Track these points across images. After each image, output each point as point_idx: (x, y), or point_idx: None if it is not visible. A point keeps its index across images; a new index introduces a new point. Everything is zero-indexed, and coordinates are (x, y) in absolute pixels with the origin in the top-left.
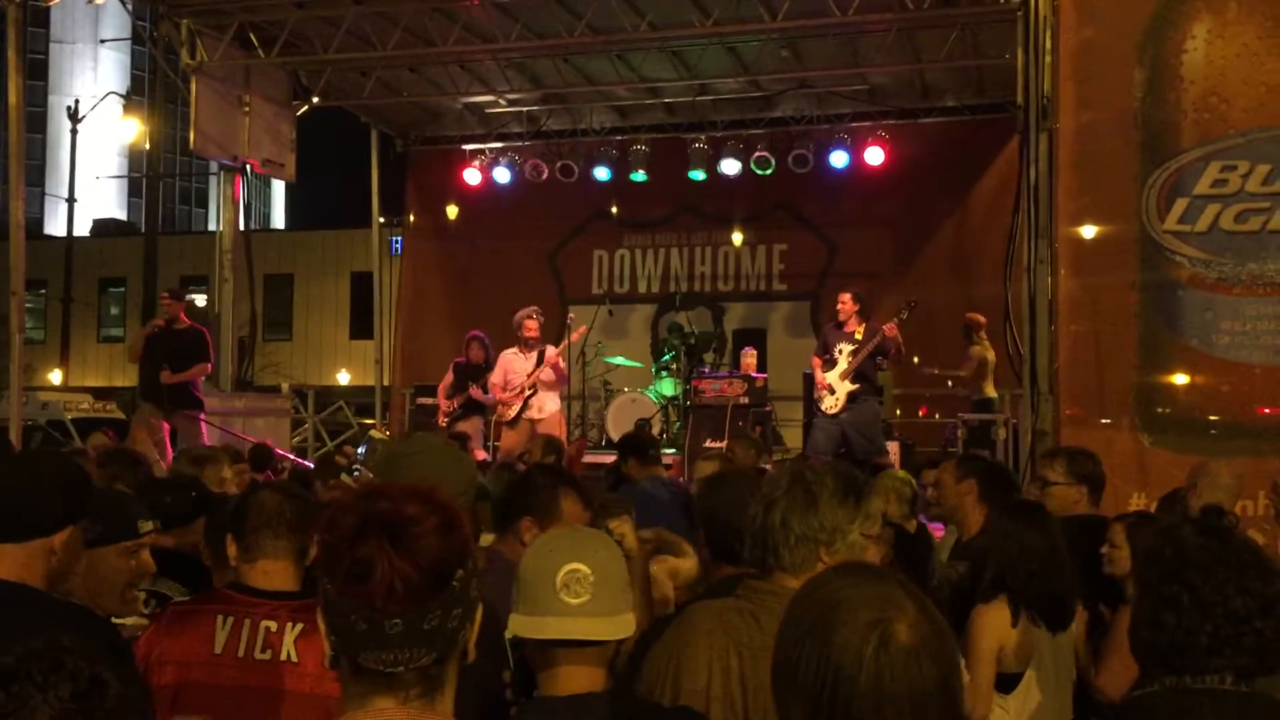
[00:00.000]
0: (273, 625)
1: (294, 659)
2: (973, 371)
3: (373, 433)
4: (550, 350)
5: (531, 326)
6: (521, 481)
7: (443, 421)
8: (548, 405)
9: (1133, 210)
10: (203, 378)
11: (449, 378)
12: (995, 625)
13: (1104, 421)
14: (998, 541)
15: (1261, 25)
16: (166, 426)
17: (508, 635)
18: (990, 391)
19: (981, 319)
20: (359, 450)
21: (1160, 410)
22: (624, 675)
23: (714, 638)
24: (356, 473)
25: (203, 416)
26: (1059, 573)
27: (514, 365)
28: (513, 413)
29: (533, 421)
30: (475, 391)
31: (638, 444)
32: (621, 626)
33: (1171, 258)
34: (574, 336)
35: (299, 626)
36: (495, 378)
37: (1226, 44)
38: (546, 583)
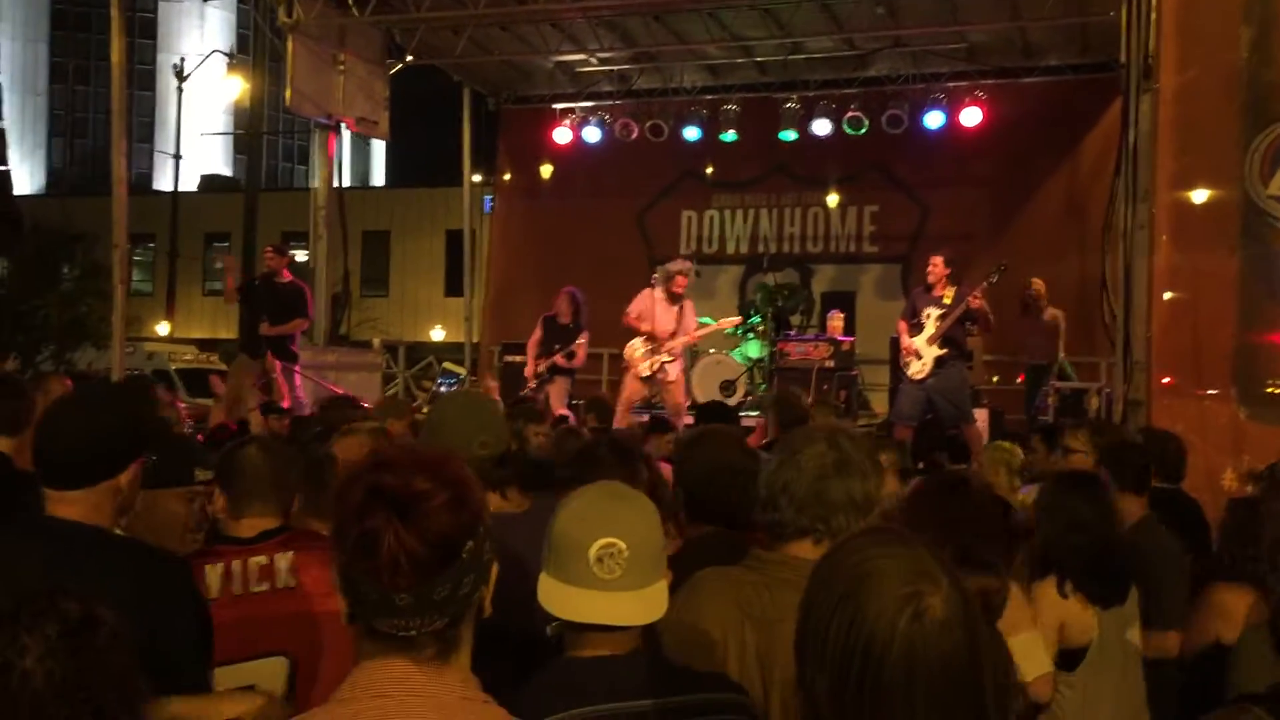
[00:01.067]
0: (262, 559)
1: (291, 584)
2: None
3: (447, 364)
4: (690, 313)
5: (682, 283)
6: (587, 456)
7: (531, 384)
8: (677, 368)
9: (1235, 175)
10: (300, 332)
11: (538, 333)
12: (1049, 601)
13: (1199, 392)
14: (1045, 514)
15: None
16: (279, 365)
17: (539, 597)
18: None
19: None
20: (438, 383)
21: (1258, 382)
22: (646, 635)
23: (727, 611)
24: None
25: (298, 369)
26: (1108, 547)
27: (656, 312)
28: (646, 370)
29: (664, 383)
30: (560, 359)
31: (715, 412)
32: (654, 604)
33: (1275, 225)
34: (723, 324)
35: (289, 554)
36: (633, 309)
37: None
38: (580, 553)
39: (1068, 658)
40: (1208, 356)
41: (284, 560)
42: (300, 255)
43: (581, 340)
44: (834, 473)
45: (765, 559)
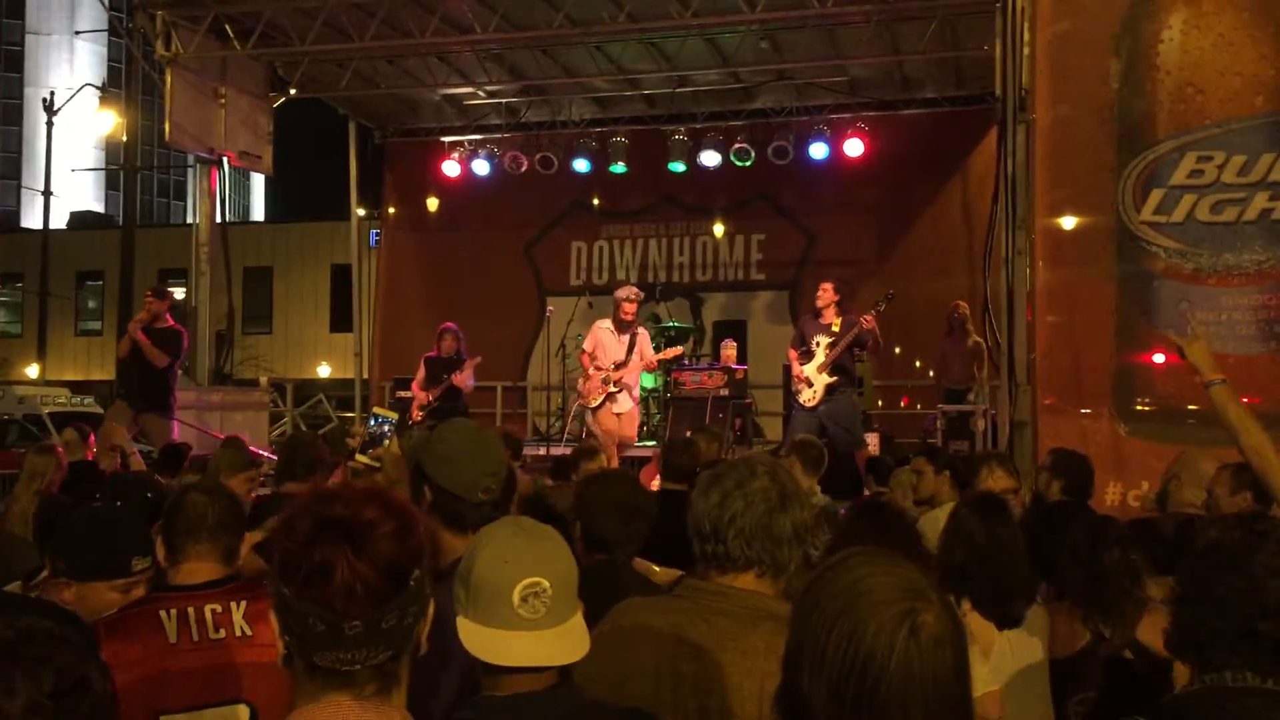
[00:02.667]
0: (217, 607)
1: (247, 633)
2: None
3: (376, 409)
4: (644, 339)
5: (629, 309)
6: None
7: (417, 416)
8: (633, 394)
9: (1109, 201)
10: (165, 367)
11: (420, 373)
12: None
13: (1081, 411)
14: (945, 537)
15: (1237, 16)
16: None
17: (463, 641)
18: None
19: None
20: (370, 424)
21: (1137, 400)
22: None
23: (661, 641)
24: (378, 442)
25: (175, 418)
26: (1002, 569)
27: (606, 343)
28: (595, 401)
29: (616, 416)
30: (456, 378)
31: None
32: (579, 640)
33: (1147, 248)
34: (667, 354)
35: (243, 604)
36: (587, 345)
37: (1203, 34)
38: (503, 596)
39: None
40: (1088, 376)
41: (238, 609)
42: (179, 293)
43: (471, 360)
44: (779, 506)
45: (701, 589)
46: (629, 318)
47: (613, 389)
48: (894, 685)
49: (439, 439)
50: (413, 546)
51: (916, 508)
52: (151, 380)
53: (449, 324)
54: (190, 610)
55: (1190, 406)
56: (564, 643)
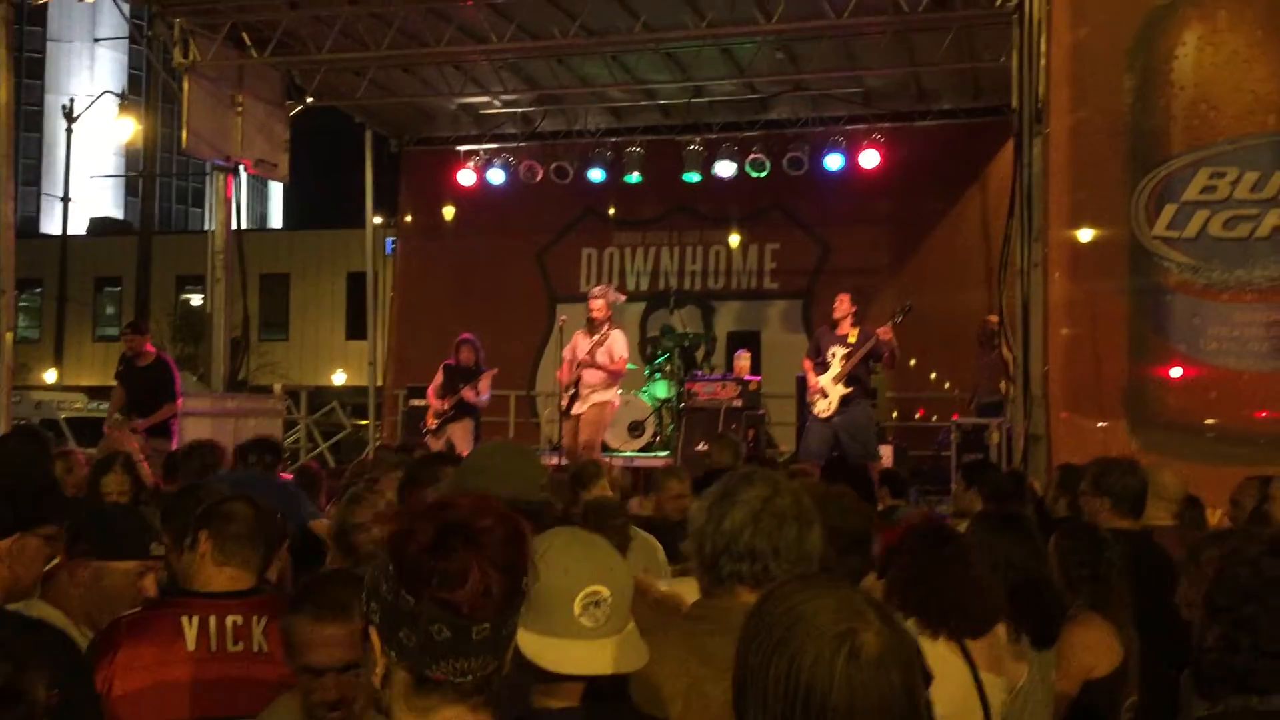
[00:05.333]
0: (238, 619)
1: (265, 649)
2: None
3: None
4: (616, 336)
5: (596, 306)
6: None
7: (432, 423)
8: (592, 397)
9: (1122, 215)
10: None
11: (439, 379)
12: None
13: (1096, 425)
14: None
15: (1251, 33)
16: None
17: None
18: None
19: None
20: None
21: (1150, 415)
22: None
23: (687, 664)
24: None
25: (174, 447)
26: (1040, 587)
27: (580, 346)
28: (564, 404)
29: (573, 418)
30: (468, 393)
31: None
32: (638, 648)
33: (1160, 263)
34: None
35: (264, 620)
36: (566, 352)
37: (1216, 51)
38: (564, 605)
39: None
40: (1102, 390)
41: (259, 624)
42: (195, 299)
43: (487, 373)
44: (795, 523)
45: (718, 608)
46: (598, 316)
47: (573, 390)
48: (839, 714)
49: (478, 457)
50: (526, 551)
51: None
52: (152, 402)
53: (467, 335)
54: (212, 619)
55: (1208, 420)
56: (623, 651)
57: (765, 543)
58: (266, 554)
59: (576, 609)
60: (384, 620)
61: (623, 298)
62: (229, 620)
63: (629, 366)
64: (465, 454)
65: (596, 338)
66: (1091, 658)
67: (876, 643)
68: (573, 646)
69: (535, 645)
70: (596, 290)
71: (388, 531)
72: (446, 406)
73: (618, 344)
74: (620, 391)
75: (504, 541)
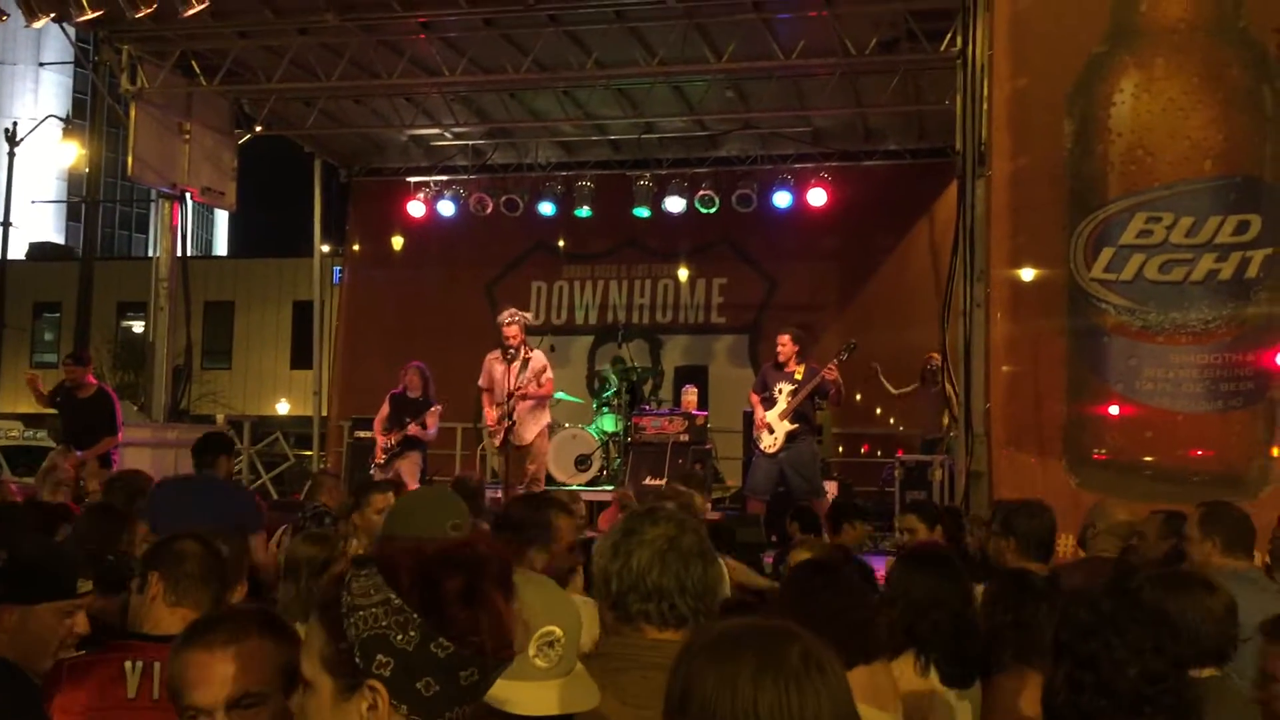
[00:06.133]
0: None
1: None
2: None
3: None
4: (538, 361)
5: (510, 332)
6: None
7: (380, 457)
8: (529, 430)
9: (1061, 257)
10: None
11: (384, 410)
12: (906, 679)
13: (1034, 462)
14: (901, 590)
15: (1187, 81)
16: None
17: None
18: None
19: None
20: None
21: (1087, 453)
22: None
23: (605, 702)
24: None
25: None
26: (967, 627)
27: (497, 375)
28: (498, 440)
29: (515, 449)
30: (414, 429)
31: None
32: (588, 688)
33: (1098, 305)
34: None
35: None
36: (482, 381)
37: (1153, 99)
38: (519, 647)
39: None
40: (1042, 428)
41: None
42: (137, 326)
43: (434, 409)
44: (699, 560)
45: (633, 646)
46: (513, 343)
47: (508, 422)
48: None
49: (400, 500)
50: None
51: None
52: (91, 435)
53: (417, 362)
54: (157, 665)
55: (1146, 458)
56: (577, 690)
57: (672, 581)
58: (220, 592)
59: (531, 650)
60: (399, 672)
61: (531, 318)
62: None
63: (577, 400)
64: (411, 489)
65: (517, 364)
66: (1024, 711)
67: (802, 664)
68: (530, 689)
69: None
70: (506, 316)
71: (406, 579)
72: (393, 442)
73: (540, 365)
74: (568, 425)
75: (508, 575)
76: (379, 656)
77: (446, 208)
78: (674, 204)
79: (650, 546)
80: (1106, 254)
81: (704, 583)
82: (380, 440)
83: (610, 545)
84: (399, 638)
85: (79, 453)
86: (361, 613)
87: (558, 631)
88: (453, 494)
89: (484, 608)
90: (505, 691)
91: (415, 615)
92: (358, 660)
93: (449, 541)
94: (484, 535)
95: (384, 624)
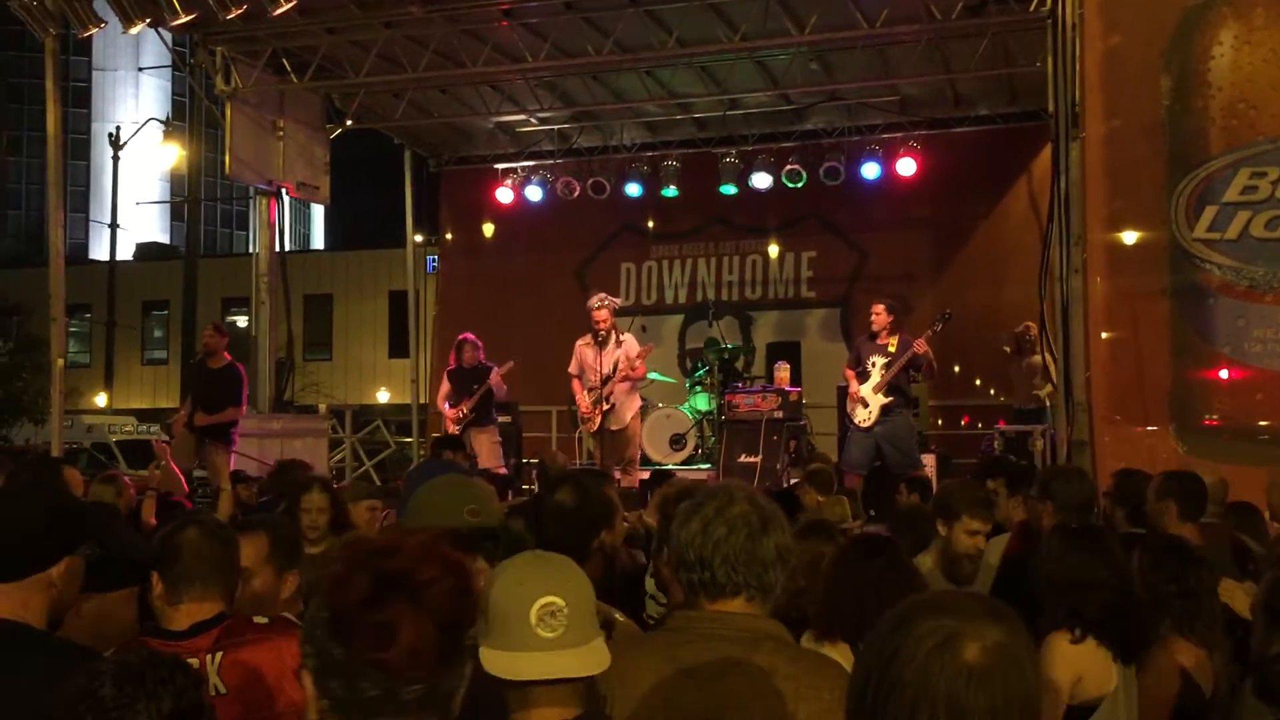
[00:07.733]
0: (194, 663)
1: (221, 690)
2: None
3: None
4: (630, 344)
5: (600, 317)
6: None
7: (454, 429)
8: (625, 413)
9: (1162, 218)
10: (235, 419)
11: (445, 387)
12: (1064, 653)
13: (1140, 430)
14: (1054, 566)
15: None
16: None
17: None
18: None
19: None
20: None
21: (1194, 418)
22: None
23: (664, 673)
24: None
25: (234, 450)
26: (1128, 599)
27: (588, 360)
28: (595, 425)
29: (611, 433)
30: (494, 378)
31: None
32: (597, 658)
33: (1201, 265)
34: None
35: (219, 656)
36: (572, 367)
37: (1254, 50)
38: (520, 617)
39: (1074, 713)
40: (1146, 394)
41: (214, 666)
42: (241, 321)
43: (497, 369)
44: (761, 530)
45: (694, 618)
46: (603, 328)
47: (605, 406)
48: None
49: (416, 490)
50: (471, 604)
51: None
52: (216, 404)
53: (467, 334)
54: None
55: (1257, 423)
56: (582, 658)
57: (712, 551)
58: (225, 580)
59: (533, 619)
60: (317, 667)
61: (619, 302)
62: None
63: (670, 380)
64: (488, 467)
65: (609, 348)
66: (1179, 684)
67: (981, 652)
68: (532, 657)
69: (494, 660)
70: (594, 301)
71: (327, 576)
72: (467, 410)
73: (632, 349)
74: (661, 405)
75: (447, 594)
76: (307, 647)
77: (534, 193)
78: (761, 180)
79: (699, 519)
80: (1210, 212)
81: (750, 553)
82: (449, 414)
83: (678, 522)
84: (318, 633)
85: (201, 415)
86: (315, 598)
87: (559, 602)
88: (475, 481)
89: (385, 620)
90: (506, 661)
91: (325, 614)
92: (305, 644)
93: (403, 541)
94: (442, 539)
95: (314, 618)
